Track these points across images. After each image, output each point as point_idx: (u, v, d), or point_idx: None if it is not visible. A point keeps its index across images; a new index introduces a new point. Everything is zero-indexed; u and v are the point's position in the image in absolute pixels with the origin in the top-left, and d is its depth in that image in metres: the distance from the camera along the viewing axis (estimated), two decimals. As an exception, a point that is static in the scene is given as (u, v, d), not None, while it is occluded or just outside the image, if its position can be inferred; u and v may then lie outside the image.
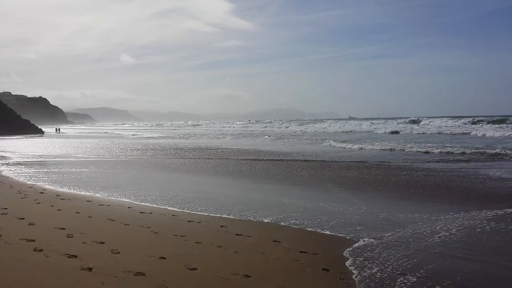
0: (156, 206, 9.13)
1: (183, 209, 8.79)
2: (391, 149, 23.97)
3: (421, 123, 58.67)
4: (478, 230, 6.94)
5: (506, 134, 34.24)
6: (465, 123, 51.83)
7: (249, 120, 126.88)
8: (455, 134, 38.69)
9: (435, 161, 17.58)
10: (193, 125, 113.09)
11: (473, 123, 50.91)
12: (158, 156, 22.67)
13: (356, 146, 26.26)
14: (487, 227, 7.09)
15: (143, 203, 9.39)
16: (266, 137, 43.37)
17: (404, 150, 23.31)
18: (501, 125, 44.77)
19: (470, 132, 38.12)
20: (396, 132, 44.96)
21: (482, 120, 51.49)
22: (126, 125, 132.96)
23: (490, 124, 46.35)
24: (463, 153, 20.23)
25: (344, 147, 26.66)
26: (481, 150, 20.72)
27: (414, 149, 23.05)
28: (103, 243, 6.03)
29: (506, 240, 6.43)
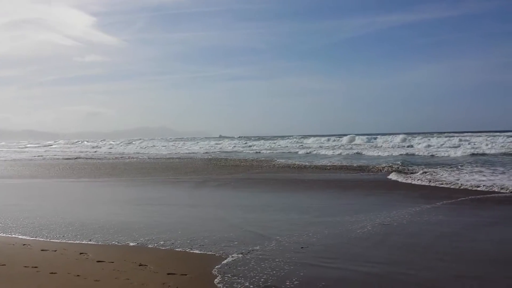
0: (3, 235, 8.05)
1: (36, 237, 7.87)
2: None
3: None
4: (340, 238, 7.44)
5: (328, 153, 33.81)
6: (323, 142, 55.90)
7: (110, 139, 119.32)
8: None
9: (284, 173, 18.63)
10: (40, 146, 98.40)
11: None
12: (11, 177, 20.19)
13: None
14: (347, 235, 7.64)
15: (-13, 233, 8.21)
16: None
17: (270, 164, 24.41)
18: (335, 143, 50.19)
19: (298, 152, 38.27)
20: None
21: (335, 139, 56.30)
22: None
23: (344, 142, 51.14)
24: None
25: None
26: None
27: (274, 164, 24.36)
28: None
29: (363, 247, 6.97)
